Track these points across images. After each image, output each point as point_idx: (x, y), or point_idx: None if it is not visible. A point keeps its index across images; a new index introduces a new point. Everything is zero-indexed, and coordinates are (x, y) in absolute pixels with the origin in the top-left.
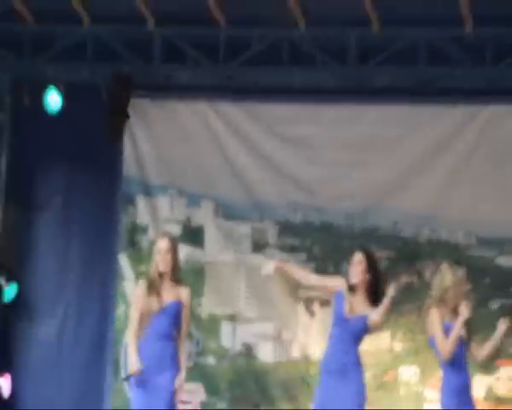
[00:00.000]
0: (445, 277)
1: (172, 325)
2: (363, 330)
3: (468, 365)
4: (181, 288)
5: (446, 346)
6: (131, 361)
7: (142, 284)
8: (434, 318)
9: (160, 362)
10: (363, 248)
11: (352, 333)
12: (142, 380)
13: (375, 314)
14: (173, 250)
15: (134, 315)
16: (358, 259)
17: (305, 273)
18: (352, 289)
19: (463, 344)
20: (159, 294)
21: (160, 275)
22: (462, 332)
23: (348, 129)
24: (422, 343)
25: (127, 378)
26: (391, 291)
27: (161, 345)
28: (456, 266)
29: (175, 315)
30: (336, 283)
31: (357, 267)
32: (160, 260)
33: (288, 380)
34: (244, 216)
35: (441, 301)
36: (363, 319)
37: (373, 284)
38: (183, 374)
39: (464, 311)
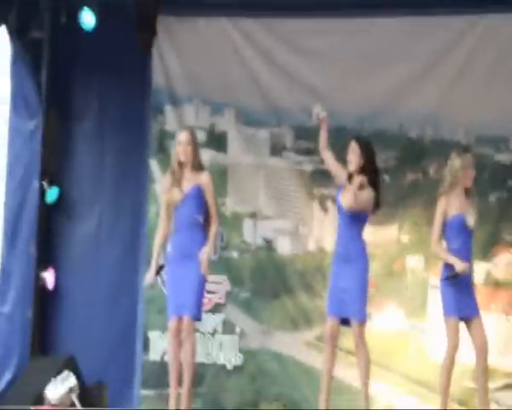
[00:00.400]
0: (454, 162)
1: (196, 210)
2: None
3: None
4: (201, 174)
5: (437, 246)
6: (150, 269)
7: (166, 178)
8: (438, 208)
9: (189, 250)
10: (356, 138)
11: (349, 219)
12: (172, 269)
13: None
14: (193, 142)
15: (162, 211)
16: (353, 147)
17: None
18: (350, 178)
19: (470, 232)
20: (180, 183)
21: (180, 165)
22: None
23: (356, 40)
24: (427, 234)
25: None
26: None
27: (188, 234)
28: (464, 152)
29: (196, 199)
30: (342, 174)
31: (351, 155)
32: (181, 150)
33: (305, 271)
34: (263, 122)
35: (452, 186)
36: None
37: (368, 168)
38: (209, 247)
39: (458, 266)
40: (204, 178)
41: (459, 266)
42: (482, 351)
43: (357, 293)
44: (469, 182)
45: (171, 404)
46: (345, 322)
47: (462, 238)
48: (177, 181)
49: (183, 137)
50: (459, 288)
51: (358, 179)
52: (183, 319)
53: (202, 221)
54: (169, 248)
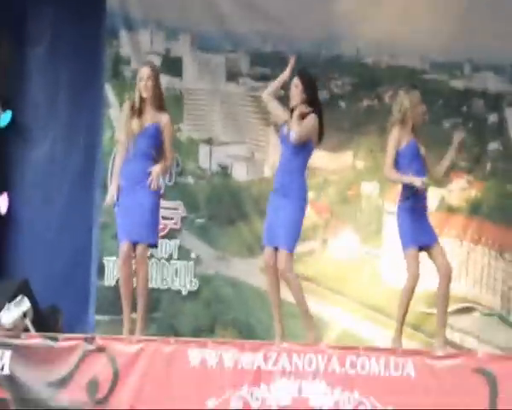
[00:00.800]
0: (403, 101)
1: (152, 146)
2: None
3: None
4: (162, 114)
5: (390, 170)
6: (110, 189)
7: (126, 107)
8: (391, 136)
9: (140, 180)
10: (299, 71)
11: (293, 150)
12: (123, 197)
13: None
14: (154, 77)
15: (121, 137)
16: (295, 82)
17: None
18: (292, 111)
19: (421, 162)
20: (140, 117)
21: (143, 100)
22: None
23: None
24: (382, 161)
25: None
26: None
27: (141, 164)
28: (412, 90)
29: (154, 137)
30: (283, 115)
31: (294, 90)
32: (142, 86)
33: (260, 197)
34: (218, 47)
35: (401, 122)
36: (291, 133)
37: (311, 102)
38: (160, 167)
39: (417, 182)
40: (164, 119)
41: (417, 181)
42: (446, 276)
43: (289, 226)
44: (419, 119)
45: (125, 329)
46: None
47: (415, 167)
48: (137, 114)
49: (144, 72)
50: (415, 217)
51: (301, 108)
52: (137, 245)
53: (155, 156)
54: (121, 179)
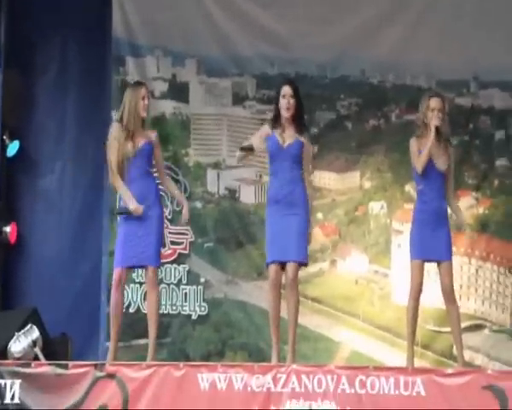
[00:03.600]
0: (423, 103)
1: (148, 164)
2: (300, 154)
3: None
4: (149, 131)
5: (418, 159)
6: (130, 200)
7: (118, 130)
8: (411, 147)
9: (145, 198)
10: (288, 81)
11: (291, 158)
12: (127, 222)
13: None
14: (148, 97)
15: (113, 159)
16: (287, 90)
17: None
18: (281, 123)
19: (441, 175)
20: (133, 138)
21: (135, 121)
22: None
23: None
24: (389, 181)
25: (121, 212)
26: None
27: (143, 183)
28: (434, 95)
29: (148, 155)
30: (265, 130)
31: (286, 99)
32: (144, 106)
33: None
34: (224, 71)
35: (422, 127)
36: (299, 143)
37: (298, 110)
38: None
39: (435, 120)
40: (153, 136)
41: (131, 205)
42: (446, 296)
43: (300, 237)
44: (438, 122)
45: (110, 357)
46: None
47: (429, 180)
48: (130, 137)
49: (144, 92)
50: (427, 230)
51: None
52: (147, 269)
53: (152, 172)
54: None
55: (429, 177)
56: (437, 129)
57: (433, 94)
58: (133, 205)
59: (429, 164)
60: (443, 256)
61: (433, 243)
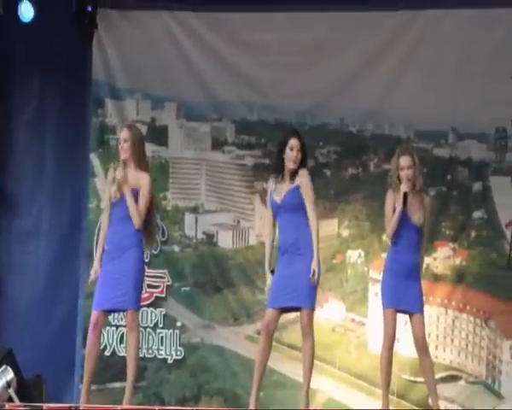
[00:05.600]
0: (392, 163)
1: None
2: (296, 201)
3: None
4: (142, 174)
5: (389, 224)
6: (94, 265)
7: (110, 173)
8: (387, 200)
9: (123, 244)
10: (294, 132)
11: (291, 208)
12: (105, 264)
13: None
14: (133, 138)
15: (106, 206)
16: (295, 143)
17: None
18: (283, 176)
19: (415, 228)
20: (119, 182)
21: (124, 163)
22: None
23: (297, 34)
24: (367, 229)
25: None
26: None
27: (122, 229)
28: (402, 153)
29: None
30: (268, 191)
31: (295, 152)
32: (121, 148)
33: (246, 265)
34: (204, 116)
35: (392, 186)
36: (293, 191)
37: (303, 163)
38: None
39: (404, 186)
40: (143, 181)
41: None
42: (419, 349)
43: (309, 283)
44: (406, 188)
45: (83, 399)
46: (286, 310)
47: (405, 233)
48: (116, 179)
49: (122, 134)
50: (399, 280)
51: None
52: (128, 313)
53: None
54: (106, 245)
55: (403, 230)
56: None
57: (401, 151)
58: (92, 272)
59: (404, 217)
60: (415, 309)
61: (405, 294)
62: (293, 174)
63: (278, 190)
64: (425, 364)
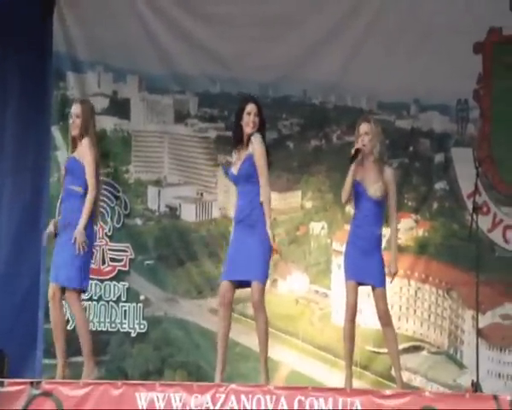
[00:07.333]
0: (356, 130)
1: (76, 182)
2: (251, 172)
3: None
4: (85, 148)
5: (343, 189)
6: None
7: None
8: (348, 174)
9: (68, 220)
10: (251, 98)
11: (246, 179)
12: (59, 234)
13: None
14: (84, 114)
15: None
16: (252, 108)
17: None
18: (242, 143)
19: (372, 201)
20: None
21: (74, 139)
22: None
23: (260, 7)
24: (330, 201)
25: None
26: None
27: (68, 204)
28: (364, 120)
29: (73, 172)
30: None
31: (251, 116)
32: (72, 123)
33: (209, 238)
34: (166, 89)
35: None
36: (247, 160)
37: (261, 128)
38: (82, 224)
39: (356, 145)
40: (87, 154)
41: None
42: (382, 322)
43: (261, 257)
44: (359, 145)
45: (58, 373)
46: (242, 285)
47: (362, 206)
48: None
49: (73, 109)
50: (360, 252)
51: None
52: (66, 290)
53: (82, 192)
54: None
55: (361, 204)
56: (368, 155)
57: (361, 119)
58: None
59: (361, 191)
60: (376, 283)
61: (366, 267)
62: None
63: (235, 161)
64: (388, 336)
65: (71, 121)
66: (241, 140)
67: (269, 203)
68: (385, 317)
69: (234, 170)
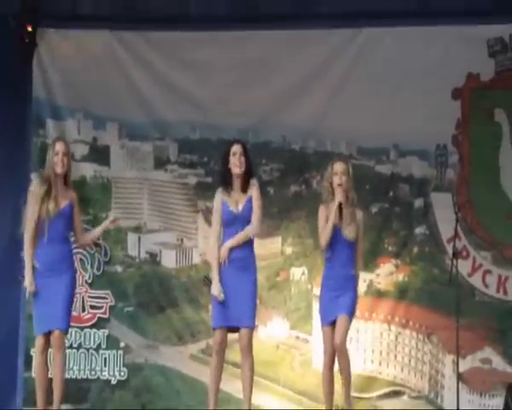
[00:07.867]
0: (328, 169)
1: (68, 228)
2: (251, 210)
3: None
4: (71, 190)
5: (322, 233)
6: (28, 275)
7: (40, 188)
8: (320, 214)
9: (59, 265)
10: (237, 140)
11: (246, 220)
12: (40, 285)
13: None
14: (69, 153)
15: (32, 221)
16: (237, 148)
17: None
18: (231, 186)
19: (347, 243)
20: (56, 197)
21: (56, 177)
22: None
23: (238, 52)
24: (310, 247)
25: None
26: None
27: (59, 248)
28: (337, 160)
29: (69, 217)
30: (217, 203)
31: (237, 156)
32: (59, 161)
33: (190, 284)
34: (146, 135)
35: (329, 194)
36: (249, 200)
37: (248, 168)
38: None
39: (338, 196)
40: (74, 195)
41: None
42: (336, 348)
43: (251, 302)
44: (341, 198)
45: None
46: (232, 330)
47: (337, 248)
48: (53, 194)
49: (60, 146)
50: (331, 294)
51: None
52: (54, 332)
53: (69, 237)
54: (36, 263)
55: (336, 245)
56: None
57: (336, 159)
58: (28, 282)
59: (335, 233)
60: (341, 311)
61: (334, 303)
62: (244, 183)
63: (233, 201)
64: (342, 365)
65: (56, 159)
66: (230, 183)
67: (247, 233)
68: (341, 346)
69: (234, 209)
